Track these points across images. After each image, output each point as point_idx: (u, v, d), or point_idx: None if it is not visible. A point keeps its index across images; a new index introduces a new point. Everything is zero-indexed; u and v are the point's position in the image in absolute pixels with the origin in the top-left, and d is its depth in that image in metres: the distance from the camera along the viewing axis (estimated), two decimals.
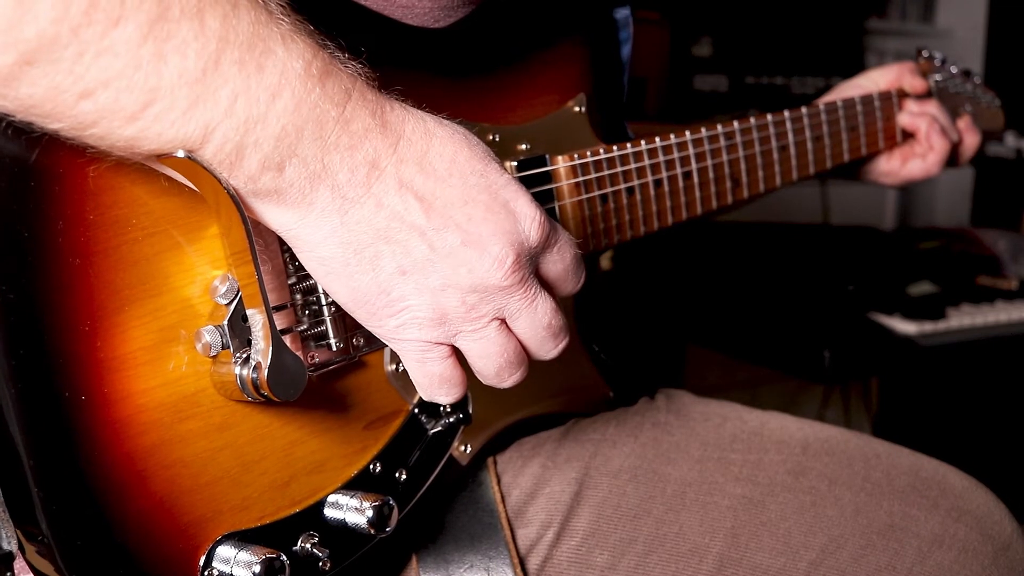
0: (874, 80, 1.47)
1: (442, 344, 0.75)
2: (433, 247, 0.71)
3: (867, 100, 1.40)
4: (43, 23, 0.58)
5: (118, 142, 0.63)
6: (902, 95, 1.47)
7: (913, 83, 1.47)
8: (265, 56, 0.64)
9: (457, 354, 0.76)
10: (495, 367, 0.77)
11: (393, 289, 0.71)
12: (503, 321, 0.75)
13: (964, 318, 2.36)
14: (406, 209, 0.70)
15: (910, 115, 1.44)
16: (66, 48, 0.59)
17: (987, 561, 1.01)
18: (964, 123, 1.51)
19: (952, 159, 1.50)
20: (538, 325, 0.76)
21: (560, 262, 0.78)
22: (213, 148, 0.64)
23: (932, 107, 1.45)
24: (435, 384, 0.76)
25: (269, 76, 0.64)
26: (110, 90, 0.60)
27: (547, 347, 0.79)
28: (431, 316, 0.72)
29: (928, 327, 2.30)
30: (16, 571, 0.72)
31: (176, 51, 0.61)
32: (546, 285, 0.78)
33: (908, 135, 1.46)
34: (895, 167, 1.47)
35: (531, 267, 0.75)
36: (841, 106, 1.35)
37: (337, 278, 0.71)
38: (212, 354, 0.73)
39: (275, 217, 0.70)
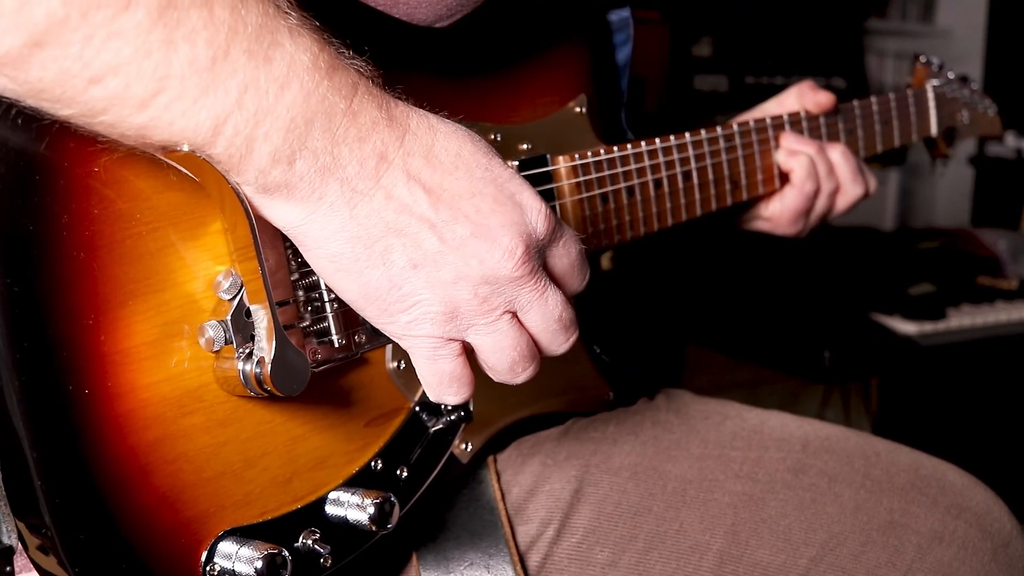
0: (767, 112, 1.29)
1: (454, 340, 0.74)
2: (443, 239, 0.70)
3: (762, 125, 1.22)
4: (53, 4, 0.58)
5: (128, 131, 0.64)
6: (810, 118, 1.27)
7: (816, 99, 1.27)
8: (273, 48, 0.65)
9: (466, 353, 0.75)
10: (508, 361, 0.75)
11: (404, 283, 0.71)
12: (515, 314, 0.74)
13: (964, 318, 2.37)
14: (415, 201, 0.70)
15: (786, 153, 1.24)
16: (76, 31, 0.59)
17: (986, 558, 1.01)
18: (849, 170, 1.26)
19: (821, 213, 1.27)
20: (550, 317, 0.75)
21: (566, 256, 0.78)
22: (225, 141, 0.64)
23: (812, 146, 1.24)
24: (445, 383, 0.75)
25: (277, 67, 0.65)
26: (120, 76, 0.61)
27: (559, 340, 0.77)
28: (443, 310, 0.72)
29: (928, 327, 2.30)
30: (16, 568, 0.72)
31: (186, 39, 0.61)
32: (553, 280, 0.77)
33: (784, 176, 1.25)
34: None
35: (540, 259, 0.75)
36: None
37: (347, 274, 0.71)
38: (215, 349, 0.73)
39: (284, 214, 0.69)
